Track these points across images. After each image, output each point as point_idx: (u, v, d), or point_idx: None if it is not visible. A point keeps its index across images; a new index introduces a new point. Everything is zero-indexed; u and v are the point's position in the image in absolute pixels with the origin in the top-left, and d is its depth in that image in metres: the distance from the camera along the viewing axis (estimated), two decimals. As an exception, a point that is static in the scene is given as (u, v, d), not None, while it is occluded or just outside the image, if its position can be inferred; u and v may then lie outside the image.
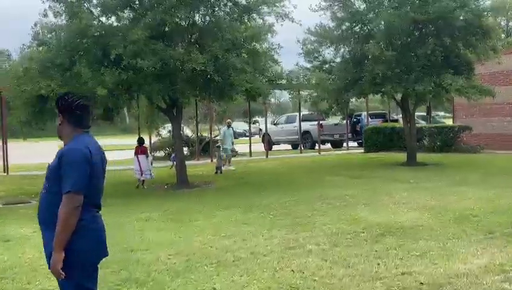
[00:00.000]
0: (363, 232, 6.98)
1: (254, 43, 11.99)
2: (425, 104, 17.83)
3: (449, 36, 14.49)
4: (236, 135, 41.37)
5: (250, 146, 22.12)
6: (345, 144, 25.19)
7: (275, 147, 27.98)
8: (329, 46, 16.28)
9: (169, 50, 10.87)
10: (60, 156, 3.14)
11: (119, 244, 6.63)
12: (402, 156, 16.53)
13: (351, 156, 20.14)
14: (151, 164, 13.60)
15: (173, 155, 14.62)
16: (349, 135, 25.84)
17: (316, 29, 16.31)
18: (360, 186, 11.37)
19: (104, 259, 3.29)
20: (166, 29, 11.44)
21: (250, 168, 16.73)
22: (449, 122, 25.59)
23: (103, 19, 11.91)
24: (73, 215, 3.04)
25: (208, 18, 12.18)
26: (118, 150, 26.20)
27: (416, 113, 31.64)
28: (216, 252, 6.17)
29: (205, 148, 23.23)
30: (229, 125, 18.20)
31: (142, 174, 12.95)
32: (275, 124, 29.17)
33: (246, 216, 8.49)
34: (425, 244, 6.29)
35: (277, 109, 57.09)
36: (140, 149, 13.18)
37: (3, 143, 17.13)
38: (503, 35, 24.71)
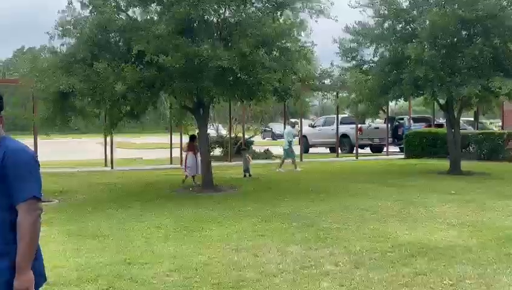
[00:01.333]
0: (391, 252, 6.19)
1: (285, 41, 11.27)
2: (472, 108, 16.65)
3: (499, 36, 13.35)
4: (276, 137, 40.90)
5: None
6: (385, 149, 24.09)
7: (312, 150, 27.18)
8: (368, 46, 15.37)
9: (194, 46, 10.32)
10: (5, 158, 2.58)
11: (118, 254, 6.12)
12: (445, 164, 15.44)
13: (389, 162, 19.11)
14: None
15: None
16: (390, 139, 24.72)
17: (355, 28, 15.46)
18: (395, 197, 10.49)
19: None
20: (193, 24, 10.91)
21: (280, 172, 16.01)
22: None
23: (130, 12, 11.49)
24: (39, 224, 2.57)
25: (238, 13, 11.57)
26: (152, 148, 26.06)
27: (463, 118, 30.20)
28: (221, 270, 5.54)
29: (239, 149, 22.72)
30: (293, 126, 17.71)
31: (186, 170, 13.50)
32: (312, 126, 28.33)
33: (264, 226, 7.82)
34: (462, 269, 5.46)
35: (320, 111, 56.13)
36: (189, 146, 13.72)
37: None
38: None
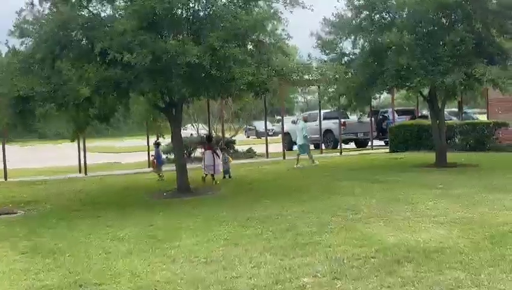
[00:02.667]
0: (375, 258, 5.62)
1: (257, 33, 10.65)
2: (456, 98, 16.19)
3: (481, 22, 12.88)
4: (260, 135, 40.23)
5: (266, 146, 20.79)
6: (369, 143, 23.62)
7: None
8: (346, 38, 14.82)
9: (160, 42, 9.66)
10: None
11: (71, 275, 5.47)
12: (431, 157, 14.97)
13: (374, 157, 18.61)
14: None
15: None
16: (375, 133, 24.26)
17: (332, 20, 14.91)
18: (380, 194, 9.94)
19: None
20: (160, 19, 10.24)
21: (262, 172, 15.42)
22: (483, 118, 23.74)
23: (92, 7, 10.76)
24: None
25: (208, 6, 10.93)
26: (133, 152, 25.30)
27: (447, 109, 29.87)
28: (183, 288, 4.91)
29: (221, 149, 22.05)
30: (305, 120, 17.82)
31: (205, 169, 13.60)
32: (295, 123, 27.75)
33: (240, 232, 7.21)
34: (453, 276, 4.90)
35: (305, 107, 55.59)
36: (206, 146, 14.02)
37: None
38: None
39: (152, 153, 15.78)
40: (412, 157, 17.08)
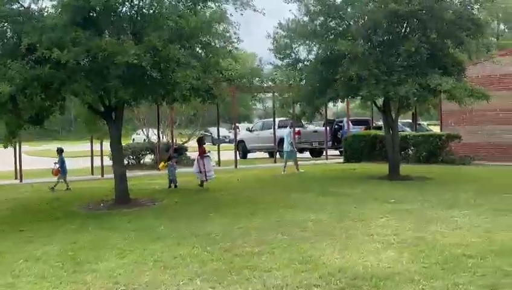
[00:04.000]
0: (318, 286, 5.01)
1: (204, 35, 9.96)
2: (409, 109, 15.98)
3: (436, 32, 12.64)
4: (216, 142, 39.41)
5: (218, 154, 20.07)
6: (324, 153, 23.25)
7: (250, 155, 26.03)
8: (301, 44, 14.36)
9: (96, 40, 8.84)
10: None
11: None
12: (384, 168, 14.63)
13: (328, 167, 18.18)
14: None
15: None
16: (330, 142, 23.94)
17: (288, 24, 14.42)
18: (331, 208, 9.40)
19: None
20: (97, 15, 9.44)
21: (212, 181, 14.65)
22: (436, 130, 23.82)
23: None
24: None
25: (153, 4, 10.16)
26: (79, 157, 24.08)
27: (402, 120, 29.98)
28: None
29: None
30: (291, 126, 17.38)
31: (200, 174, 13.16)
32: (250, 131, 27.21)
33: (173, 252, 6.47)
34: (403, 309, 4.33)
35: (264, 115, 54.97)
36: (199, 150, 13.50)
37: None
38: (492, 39, 22.99)
39: (55, 160, 13.94)
40: (366, 168, 16.75)
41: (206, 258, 6.17)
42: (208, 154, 13.66)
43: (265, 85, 13.36)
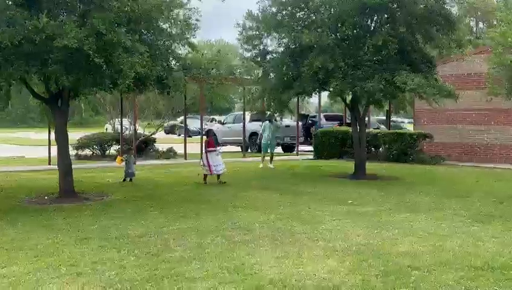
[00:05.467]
0: (239, 301, 4.45)
1: (156, 19, 9.29)
2: (381, 106, 15.51)
3: (406, 26, 12.15)
4: (191, 134, 38.70)
5: (185, 147, 19.44)
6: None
7: (221, 149, 25.36)
8: (268, 35, 13.76)
9: (34, 20, 8.13)
10: None
11: None
12: (352, 166, 14.14)
13: (295, 163, 17.66)
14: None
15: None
16: (302, 138, 23.45)
17: (257, 14, 13.80)
18: (283, 208, 8.87)
19: None
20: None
21: (171, 175, 14.04)
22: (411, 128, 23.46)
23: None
24: None
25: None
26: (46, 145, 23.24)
27: (377, 118, 29.62)
28: None
29: (140, 148, 20.46)
30: (270, 120, 16.68)
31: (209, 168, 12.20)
32: (222, 123, 26.61)
33: (95, 256, 5.85)
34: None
35: (241, 107, 54.32)
36: (208, 140, 12.57)
37: None
38: (469, 37, 22.63)
39: None
40: (333, 165, 16.27)
41: (129, 264, 5.57)
42: (217, 149, 12.65)
43: (231, 77, 12.74)
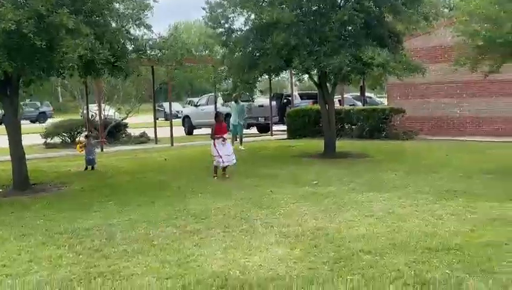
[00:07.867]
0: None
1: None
2: (349, 82, 15.19)
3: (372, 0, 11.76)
4: (168, 117, 38.08)
5: (155, 131, 19.01)
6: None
7: (196, 132, 24.98)
8: (233, 11, 13.26)
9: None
10: None
11: None
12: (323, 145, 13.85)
13: (267, 144, 17.36)
14: None
15: None
16: (277, 118, 23.09)
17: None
18: (244, 192, 8.55)
19: None
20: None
21: (136, 162, 13.63)
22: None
23: None
24: None
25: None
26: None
27: (351, 94, 29.34)
28: None
29: (112, 133, 19.97)
30: (236, 100, 16.23)
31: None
32: (196, 106, 26.14)
33: (31, 254, 5.50)
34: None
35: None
36: (216, 125, 10.63)
37: None
38: (445, 10, 22.28)
39: None
40: (305, 145, 15.98)
41: (65, 261, 5.22)
42: (223, 136, 10.54)
43: (192, 57, 12.27)
